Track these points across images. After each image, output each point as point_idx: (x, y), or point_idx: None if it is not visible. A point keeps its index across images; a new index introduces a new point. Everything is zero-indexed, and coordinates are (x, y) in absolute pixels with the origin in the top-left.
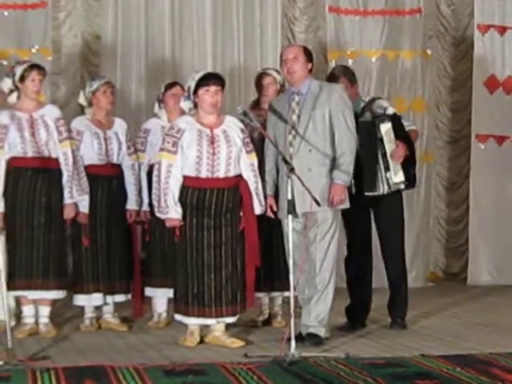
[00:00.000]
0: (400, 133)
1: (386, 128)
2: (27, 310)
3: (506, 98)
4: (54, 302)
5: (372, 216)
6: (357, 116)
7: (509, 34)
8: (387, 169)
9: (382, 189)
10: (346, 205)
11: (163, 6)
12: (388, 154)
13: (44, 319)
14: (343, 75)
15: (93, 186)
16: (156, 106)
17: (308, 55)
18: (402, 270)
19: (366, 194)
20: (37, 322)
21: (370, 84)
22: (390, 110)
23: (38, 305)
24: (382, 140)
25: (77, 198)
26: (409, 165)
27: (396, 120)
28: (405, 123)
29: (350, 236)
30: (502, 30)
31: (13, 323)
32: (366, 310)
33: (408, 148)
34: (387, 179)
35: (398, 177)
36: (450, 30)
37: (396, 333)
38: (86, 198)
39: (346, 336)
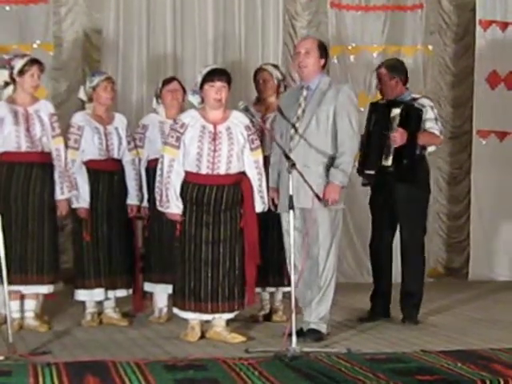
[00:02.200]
0: (410, 123)
1: (394, 113)
2: (13, 305)
3: (508, 93)
4: (47, 296)
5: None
6: None
7: (510, 30)
8: (381, 151)
9: (373, 169)
10: (341, 205)
11: (165, 0)
12: (386, 137)
13: (31, 313)
14: (384, 67)
15: (94, 181)
16: (154, 101)
17: (322, 50)
18: (421, 264)
19: (366, 171)
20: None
21: (371, 79)
22: (427, 110)
23: (25, 299)
24: (388, 124)
25: (67, 195)
26: (403, 154)
27: (411, 110)
28: (434, 125)
29: (374, 223)
30: (504, 25)
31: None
32: (387, 299)
33: (409, 139)
34: (377, 160)
35: (387, 161)
36: (452, 26)
37: (397, 328)
38: (87, 192)
39: (347, 331)
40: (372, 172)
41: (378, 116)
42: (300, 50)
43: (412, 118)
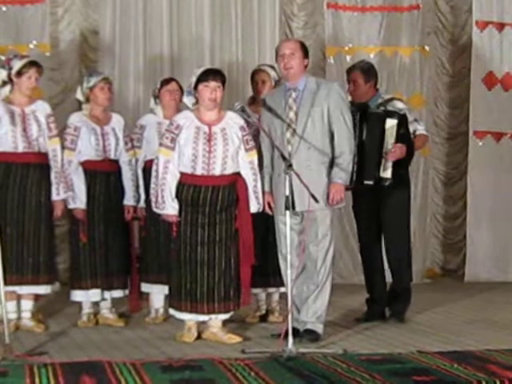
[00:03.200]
0: (404, 134)
1: (390, 124)
2: (10, 306)
3: (504, 94)
4: (37, 297)
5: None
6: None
7: (507, 31)
8: (379, 162)
9: (372, 180)
10: (343, 203)
11: (161, 1)
12: (384, 150)
13: (27, 313)
14: (359, 70)
15: (90, 181)
16: (152, 101)
17: (304, 51)
18: (406, 263)
19: (365, 182)
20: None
21: None
22: (406, 113)
23: (22, 299)
24: (383, 134)
25: (63, 195)
26: (399, 165)
27: (403, 120)
28: (418, 127)
29: (360, 228)
30: (501, 26)
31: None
32: (383, 302)
33: (407, 152)
34: (375, 172)
35: (385, 173)
36: (449, 27)
37: (393, 329)
38: (83, 193)
39: (343, 332)
40: (371, 182)
41: (370, 126)
42: (285, 52)
43: (406, 129)
